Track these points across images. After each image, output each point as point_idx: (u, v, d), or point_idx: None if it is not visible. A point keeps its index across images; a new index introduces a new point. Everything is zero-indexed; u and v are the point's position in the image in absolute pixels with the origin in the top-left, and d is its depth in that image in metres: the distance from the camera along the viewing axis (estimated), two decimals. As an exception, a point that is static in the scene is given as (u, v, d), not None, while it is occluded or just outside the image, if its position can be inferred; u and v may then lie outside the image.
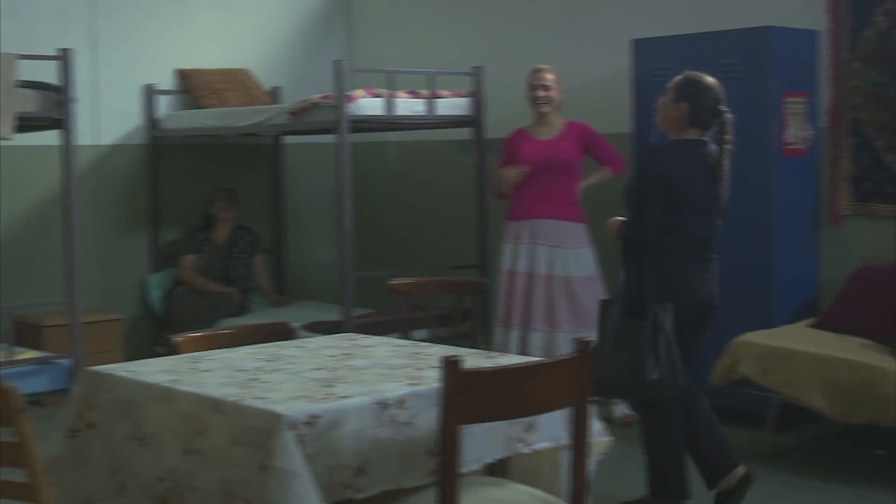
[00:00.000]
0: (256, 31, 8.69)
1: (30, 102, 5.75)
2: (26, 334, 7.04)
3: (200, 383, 3.38)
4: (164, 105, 8.24)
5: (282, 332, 4.34)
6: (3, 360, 5.72)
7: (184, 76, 8.27)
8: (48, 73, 5.96)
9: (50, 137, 6.62)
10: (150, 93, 8.15)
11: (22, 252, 7.65)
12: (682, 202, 4.71)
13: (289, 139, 8.63)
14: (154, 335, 8.08)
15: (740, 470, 4.87)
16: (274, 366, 3.65)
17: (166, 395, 3.35)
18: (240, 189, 8.27)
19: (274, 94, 8.54)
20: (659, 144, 5.05)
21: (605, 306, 4.84)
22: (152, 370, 3.61)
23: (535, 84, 6.43)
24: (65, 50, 5.83)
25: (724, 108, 4.77)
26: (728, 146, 4.76)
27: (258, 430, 3.03)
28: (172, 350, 4.06)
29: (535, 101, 6.43)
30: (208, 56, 8.42)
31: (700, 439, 4.90)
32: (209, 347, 4.09)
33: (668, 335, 4.64)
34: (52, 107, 5.82)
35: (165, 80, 8.27)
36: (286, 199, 8.75)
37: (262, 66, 8.62)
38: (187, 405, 3.27)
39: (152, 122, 8.15)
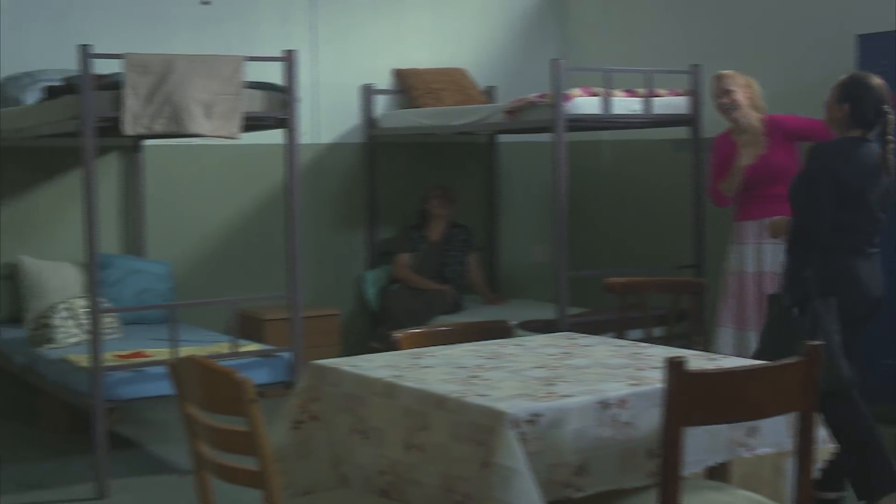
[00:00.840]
0: (472, 30, 8.76)
1: (256, 103, 5.91)
2: (248, 327, 7.27)
3: (422, 379, 3.42)
4: (381, 104, 8.38)
5: (500, 330, 4.36)
6: (227, 351, 5.88)
7: (401, 76, 8.39)
8: (271, 73, 6.12)
9: (272, 136, 6.80)
10: (367, 92, 8.30)
11: (245, 247, 7.90)
12: (849, 199, 4.77)
13: (503, 138, 8.67)
14: (369, 331, 8.23)
15: None
16: (494, 363, 3.67)
17: (389, 390, 3.40)
18: (455, 187, 8.34)
19: (489, 94, 8.59)
20: (826, 142, 5.04)
21: (773, 301, 4.83)
22: (375, 365, 3.67)
23: (717, 92, 6.28)
24: (289, 51, 5.97)
25: (887, 108, 4.81)
26: (891, 145, 4.80)
27: (480, 426, 3.05)
28: (392, 346, 4.12)
29: (722, 110, 6.28)
30: (424, 56, 8.52)
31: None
32: (428, 344, 4.14)
33: (828, 330, 4.65)
34: (277, 107, 5.97)
35: (383, 80, 8.40)
36: (500, 197, 8.79)
37: (478, 66, 8.67)
38: (410, 401, 3.31)
39: (370, 122, 8.30)
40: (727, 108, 6.24)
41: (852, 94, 4.86)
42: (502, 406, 3.05)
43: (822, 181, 4.78)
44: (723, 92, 6.25)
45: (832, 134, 5.04)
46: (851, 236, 4.85)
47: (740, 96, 6.22)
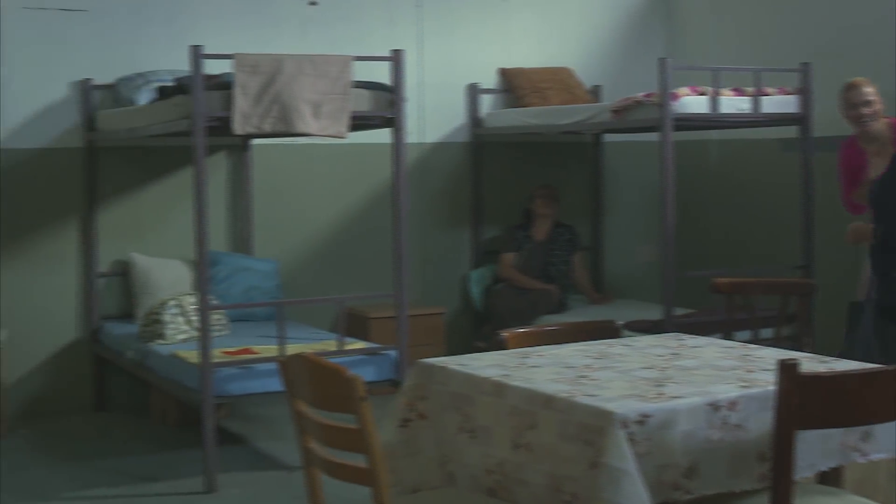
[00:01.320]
0: (577, 29, 8.73)
1: (363, 102, 5.95)
2: (354, 325, 7.31)
3: (530, 379, 3.42)
4: (486, 104, 8.39)
5: (607, 330, 4.34)
6: (334, 349, 5.93)
7: (507, 75, 8.39)
8: (377, 73, 6.15)
9: (377, 136, 6.85)
10: (473, 92, 8.31)
11: (350, 246, 7.96)
12: None
13: (608, 137, 8.62)
14: (473, 330, 8.24)
15: None
16: (602, 363, 3.65)
17: (497, 389, 3.40)
18: (560, 186, 8.32)
19: (595, 93, 8.55)
20: None
21: (854, 309, 4.70)
22: (483, 364, 3.67)
23: (856, 102, 6.12)
24: (396, 51, 6.00)
25: None
26: None
27: (589, 426, 3.03)
28: (501, 345, 4.12)
29: (858, 120, 6.13)
30: (530, 55, 8.51)
31: None
32: (535, 343, 4.13)
33: None
34: (384, 106, 6.00)
35: (488, 80, 8.41)
36: (605, 196, 8.74)
37: (583, 65, 8.64)
38: (518, 400, 3.31)
39: (475, 121, 8.31)
40: (867, 119, 6.07)
41: None
42: (611, 406, 3.03)
43: None
44: (863, 102, 6.08)
45: None
46: None
47: (878, 106, 6.06)
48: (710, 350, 3.88)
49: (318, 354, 4.75)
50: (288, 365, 3.29)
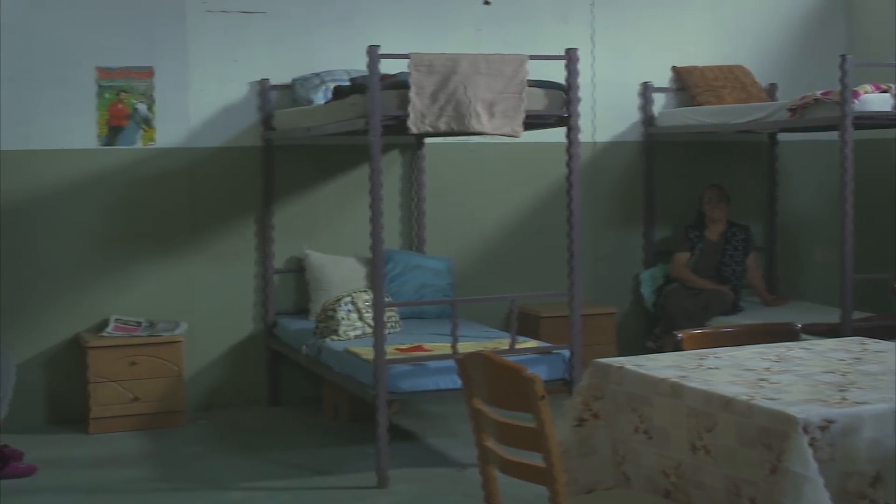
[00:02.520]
0: (751, 26, 8.57)
1: (537, 101, 5.95)
2: (524, 324, 7.33)
3: (708, 381, 3.38)
4: (659, 103, 8.31)
5: (786, 333, 4.26)
6: (506, 348, 5.95)
7: (680, 74, 8.30)
8: (549, 72, 6.15)
9: (548, 135, 6.85)
10: (646, 90, 8.24)
11: (521, 245, 7.97)
12: None
13: (783, 136, 8.45)
14: (644, 330, 8.17)
15: None
16: (782, 366, 3.59)
17: (675, 390, 3.37)
18: (734, 186, 8.19)
19: (770, 91, 8.40)
20: None
21: None
22: (659, 365, 3.64)
23: None
24: (570, 49, 5.98)
25: None
26: None
27: (770, 430, 2.99)
28: (676, 346, 4.08)
29: None
30: (704, 53, 8.40)
31: None
32: (712, 345, 4.09)
33: None
34: (558, 105, 5.99)
35: (661, 78, 8.33)
36: (780, 197, 8.57)
37: (759, 62, 8.48)
38: (696, 402, 3.28)
39: (648, 120, 8.24)
40: None
41: None
42: (793, 410, 2.98)
43: None
44: None
45: None
46: None
47: None
48: (894, 356, 3.77)
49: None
50: (466, 363, 3.31)
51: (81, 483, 5.85)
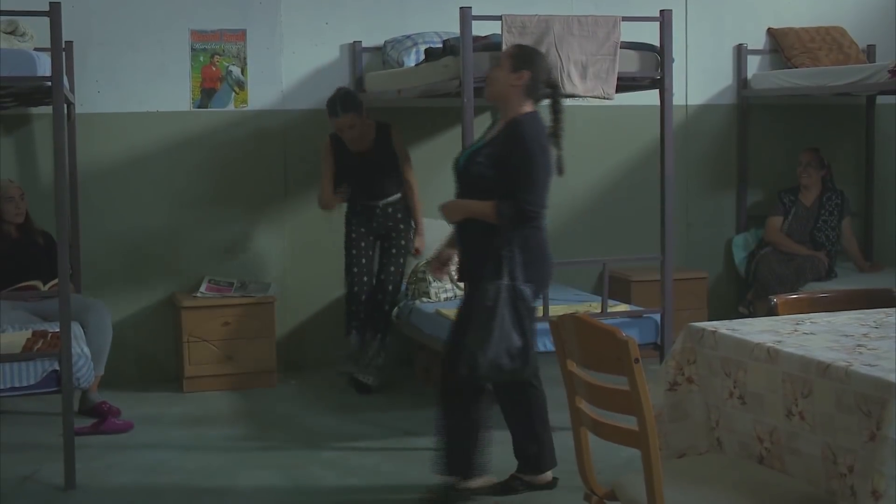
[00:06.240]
0: (852, -14, 8.42)
1: (630, 63, 5.90)
2: (615, 287, 7.29)
3: (805, 346, 3.34)
4: (753, 65, 8.19)
5: (884, 299, 4.19)
6: (597, 311, 5.93)
7: (776, 35, 8.17)
8: (643, 34, 6.08)
9: (641, 97, 6.79)
10: (740, 53, 8.12)
11: (612, 208, 7.92)
12: (549, 179, 4.65)
13: (882, 99, 8.29)
14: (736, 295, 8.09)
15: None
16: (880, 332, 3.53)
17: (770, 355, 3.33)
18: (830, 150, 8.07)
19: (869, 53, 8.24)
20: (529, 117, 4.70)
21: (480, 286, 4.58)
22: (754, 329, 3.61)
23: None
24: (663, 11, 5.92)
25: (555, 80, 4.76)
26: (561, 117, 4.76)
27: (869, 397, 2.94)
28: (770, 311, 4.04)
29: None
30: (800, 13, 8.27)
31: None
32: (807, 310, 4.04)
33: (532, 315, 4.65)
34: (651, 67, 5.94)
35: (756, 40, 8.20)
36: (877, 161, 8.42)
37: (857, 23, 8.33)
38: (792, 367, 3.24)
39: (742, 83, 8.13)
40: None
41: (530, 64, 4.69)
42: (893, 377, 2.93)
43: (543, 157, 4.63)
44: None
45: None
46: (545, 212, 4.75)
47: None
48: None
49: (583, 316, 4.76)
50: (559, 325, 3.31)
51: (176, 440, 5.95)
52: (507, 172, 4.61)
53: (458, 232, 4.87)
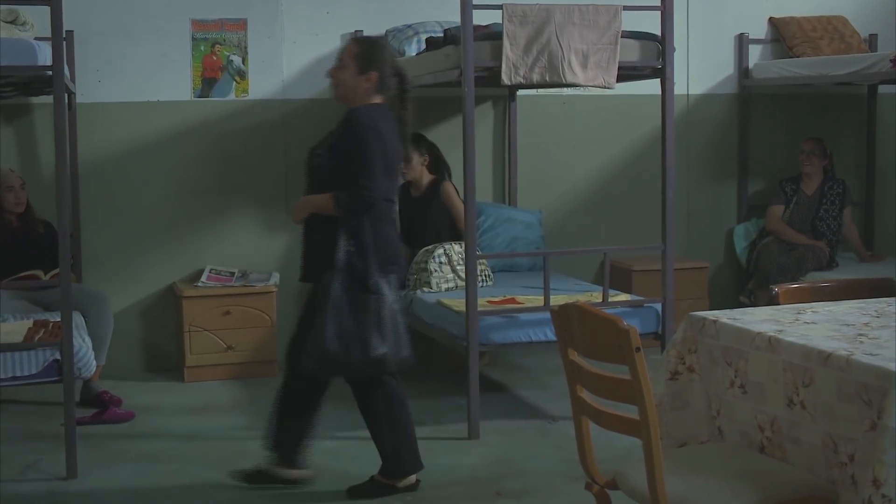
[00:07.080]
0: (851, -24, 8.41)
1: (632, 52, 5.89)
2: (616, 277, 7.28)
3: (806, 335, 3.34)
4: (755, 54, 8.18)
5: (885, 289, 4.19)
6: (598, 301, 5.93)
7: (777, 24, 8.16)
8: (644, 23, 6.07)
9: (641, 87, 6.78)
10: (741, 42, 8.11)
11: (613, 198, 7.92)
12: (393, 167, 4.62)
13: (884, 88, 8.28)
14: (738, 284, 8.09)
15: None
16: (881, 322, 3.53)
17: (771, 345, 3.33)
18: (831, 140, 8.06)
19: (871, 42, 8.23)
20: (367, 106, 4.65)
21: (321, 279, 4.57)
22: (755, 319, 3.61)
23: None
24: (664, 0, 5.91)
25: (403, 72, 4.73)
26: (408, 111, 4.76)
27: (870, 386, 2.94)
28: (771, 300, 4.04)
29: None
30: (802, 3, 8.25)
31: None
32: (808, 299, 4.04)
33: (393, 307, 4.57)
34: (652, 56, 5.93)
35: (757, 29, 8.19)
36: (879, 150, 8.41)
37: (858, 12, 8.31)
38: (793, 357, 3.24)
39: (743, 72, 8.12)
40: None
41: (377, 63, 4.67)
42: (893, 366, 2.93)
43: (377, 146, 4.55)
44: None
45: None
46: (390, 205, 4.73)
47: None
48: None
49: (585, 305, 4.76)
50: (561, 313, 3.31)
51: (177, 428, 5.96)
52: (345, 162, 4.57)
53: (303, 231, 4.84)
